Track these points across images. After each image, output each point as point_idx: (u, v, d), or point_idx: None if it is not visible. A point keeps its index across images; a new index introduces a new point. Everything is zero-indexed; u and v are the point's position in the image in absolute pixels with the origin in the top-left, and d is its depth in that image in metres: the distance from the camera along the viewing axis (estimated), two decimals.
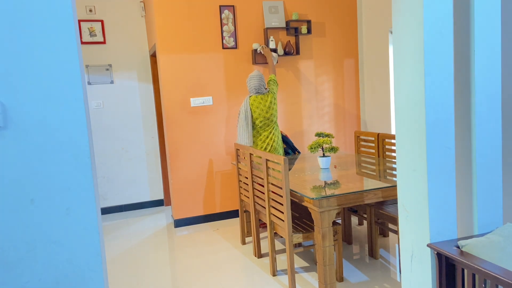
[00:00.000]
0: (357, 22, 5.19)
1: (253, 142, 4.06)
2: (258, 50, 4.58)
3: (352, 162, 3.71)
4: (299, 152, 4.49)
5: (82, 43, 5.05)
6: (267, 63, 4.74)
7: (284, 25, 4.80)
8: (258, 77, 4.00)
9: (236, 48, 4.70)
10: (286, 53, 4.81)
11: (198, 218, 4.74)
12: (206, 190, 4.74)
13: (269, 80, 4.17)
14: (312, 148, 3.47)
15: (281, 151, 4.16)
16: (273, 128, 4.05)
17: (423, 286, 1.81)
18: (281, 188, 2.91)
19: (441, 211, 1.75)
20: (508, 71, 2.05)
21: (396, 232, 3.31)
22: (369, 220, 3.52)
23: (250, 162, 3.45)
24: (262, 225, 4.29)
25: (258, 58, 4.72)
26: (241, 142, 4.05)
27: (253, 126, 4.04)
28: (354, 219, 4.49)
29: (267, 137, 4.02)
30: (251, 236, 4.04)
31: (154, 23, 4.46)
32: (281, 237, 4.14)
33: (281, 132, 4.34)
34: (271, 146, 4.03)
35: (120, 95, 5.27)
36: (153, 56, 5.20)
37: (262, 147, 4.01)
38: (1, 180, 1.55)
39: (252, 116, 4.01)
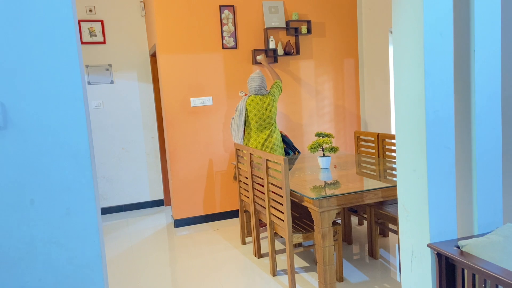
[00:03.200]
0: (357, 22, 5.19)
1: (250, 143, 4.08)
2: (257, 59, 4.58)
3: (352, 162, 3.71)
4: (299, 152, 4.49)
5: (82, 43, 5.05)
6: (269, 63, 4.75)
7: (284, 25, 4.80)
8: (259, 79, 4.02)
9: (236, 48, 4.70)
10: (286, 53, 4.81)
11: (198, 218, 4.74)
12: (206, 190, 4.74)
13: (274, 84, 4.18)
14: (312, 148, 3.47)
15: (281, 151, 4.17)
16: (271, 130, 4.06)
17: (423, 286, 1.81)
18: (281, 188, 2.91)
19: (441, 211, 1.75)
20: (508, 71, 2.05)
21: (396, 232, 3.31)
22: (369, 220, 3.52)
23: (250, 162, 3.45)
24: (261, 225, 4.29)
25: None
26: (234, 139, 4.13)
27: (249, 127, 4.07)
28: (354, 219, 4.49)
29: (265, 139, 4.03)
30: (251, 236, 4.04)
31: (154, 23, 4.46)
32: (281, 237, 4.14)
33: (281, 132, 4.34)
34: (270, 148, 4.04)
35: (120, 95, 5.27)
36: (153, 56, 5.20)
37: (261, 149, 4.02)
38: (1, 180, 1.55)
39: (247, 116, 4.03)
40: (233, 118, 4.19)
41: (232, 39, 4.67)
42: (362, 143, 4.22)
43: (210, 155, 4.71)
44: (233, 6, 4.64)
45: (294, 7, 4.88)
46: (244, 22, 4.72)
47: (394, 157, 3.75)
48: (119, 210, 5.42)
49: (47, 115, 1.57)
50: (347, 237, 3.87)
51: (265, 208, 3.28)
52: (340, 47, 5.14)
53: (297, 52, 4.87)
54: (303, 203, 2.82)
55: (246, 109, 4.02)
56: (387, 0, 4.71)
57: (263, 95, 4.02)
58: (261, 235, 4.14)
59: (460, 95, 1.83)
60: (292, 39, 4.90)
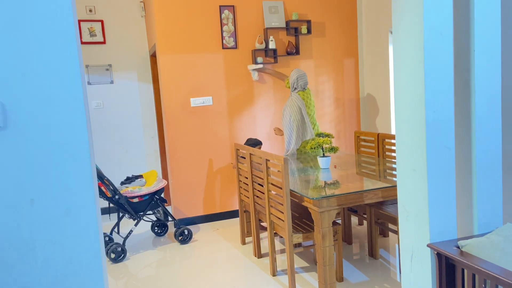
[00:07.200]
0: (357, 22, 5.19)
1: (312, 139, 4.18)
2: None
3: (352, 162, 3.71)
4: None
5: (82, 43, 5.05)
6: (270, 63, 4.76)
7: (284, 25, 4.79)
8: (305, 74, 4.21)
9: (236, 48, 4.70)
10: (286, 53, 4.81)
11: (198, 218, 4.74)
12: (206, 190, 4.74)
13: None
14: (312, 148, 3.46)
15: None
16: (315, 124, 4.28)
17: (423, 286, 1.81)
18: (281, 188, 2.91)
19: (441, 211, 1.75)
20: (508, 71, 2.05)
21: (396, 232, 3.31)
22: (369, 220, 3.52)
23: (250, 162, 3.45)
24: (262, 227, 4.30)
25: (258, 58, 4.72)
26: (291, 146, 4.15)
27: (304, 126, 4.19)
28: (354, 219, 4.49)
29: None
30: (251, 236, 4.04)
31: (154, 23, 4.46)
32: (281, 237, 4.14)
33: None
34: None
35: (120, 95, 5.27)
36: (153, 56, 5.19)
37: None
38: (1, 180, 1.55)
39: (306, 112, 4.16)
40: (292, 124, 4.10)
41: (232, 39, 4.67)
42: (362, 143, 4.22)
43: (210, 155, 4.71)
44: (233, 6, 4.64)
45: (294, 7, 4.88)
46: (244, 22, 4.72)
47: (394, 157, 3.75)
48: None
49: (47, 115, 1.57)
50: (347, 237, 3.87)
51: (265, 208, 3.28)
52: (340, 47, 5.14)
53: (297, 52, 4.87)
54: (303, 203, 2.82)
55: (305, 105, 4.15)
56: (387, 0, 4.71)
57: (305, 90, 4.22)
58: (261, 235, 4.14)
59: (460, 95, 1.83)
60: (292, 39, 4.90)
